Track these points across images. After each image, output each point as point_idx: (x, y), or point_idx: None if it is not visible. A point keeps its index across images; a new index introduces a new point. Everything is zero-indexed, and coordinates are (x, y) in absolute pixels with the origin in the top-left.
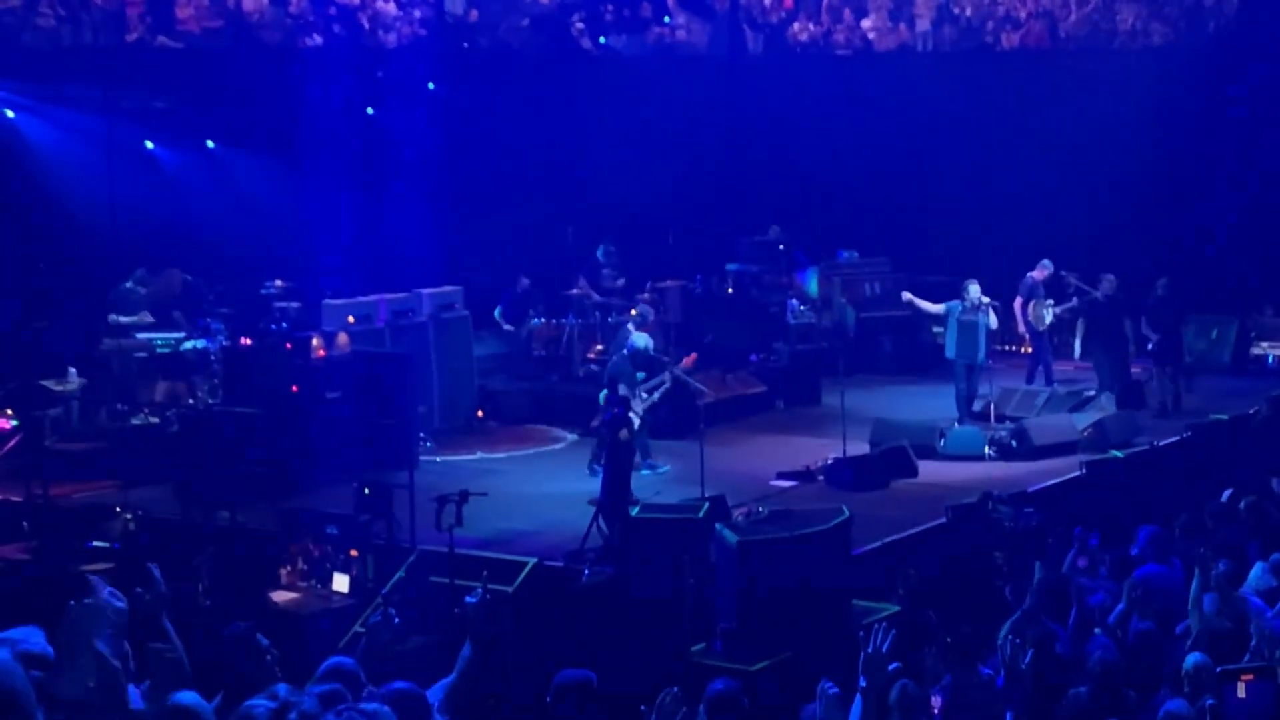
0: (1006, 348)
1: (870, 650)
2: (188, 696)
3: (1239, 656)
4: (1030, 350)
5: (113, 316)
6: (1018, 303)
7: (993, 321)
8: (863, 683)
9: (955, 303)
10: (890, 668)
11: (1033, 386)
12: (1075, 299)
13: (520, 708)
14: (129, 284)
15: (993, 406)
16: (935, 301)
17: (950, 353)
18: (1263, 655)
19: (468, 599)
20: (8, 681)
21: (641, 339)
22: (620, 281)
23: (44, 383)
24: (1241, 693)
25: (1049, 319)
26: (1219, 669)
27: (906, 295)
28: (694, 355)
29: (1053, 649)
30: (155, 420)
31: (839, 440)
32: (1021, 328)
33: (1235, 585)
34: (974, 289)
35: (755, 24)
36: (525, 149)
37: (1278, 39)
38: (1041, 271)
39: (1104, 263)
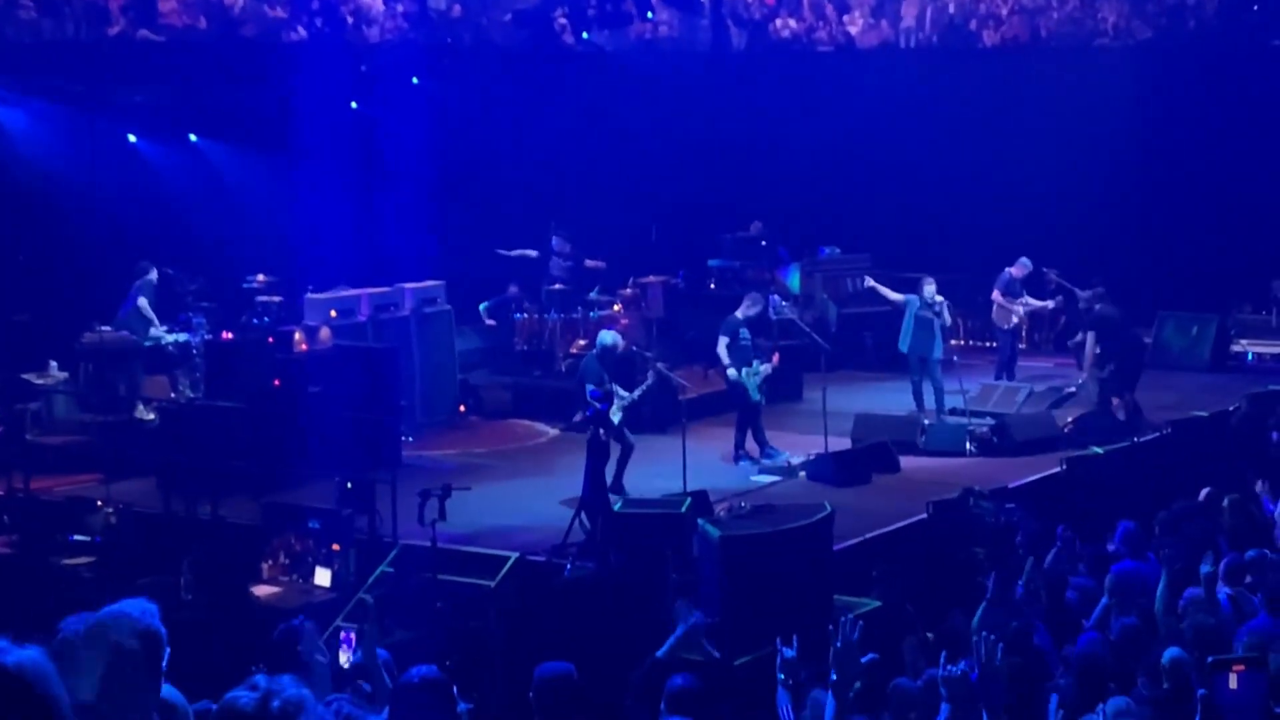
0: (989, 344)
1: (841, 644)
2: (165, 691)
3: (1219, 652)
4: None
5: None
6: (996, 294)
7: (947, 319)
8: (833, 676)
9: (914, 297)
10: (864, 660)
11: (1014, 383)
12: (1059, 296)
13: (503, 701)
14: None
15: (965, 401)
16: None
17: (904, 346)
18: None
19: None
20: (41, 687)
21: (609, 336)
22: (569, 263)
23: (25, 376)
24: (1233, 684)
25: (1015, 319)
26: (1210, 659)
27: (869, 281)
28: (777, 354)
29: (1031, 641)
30: (137, 414)
31: (821, 435)
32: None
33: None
34: (929, 288)
35: (739, 20)
36: (508, 144)
37: (1258, 37)
38: (1020, 269)
39: (1084, 259)
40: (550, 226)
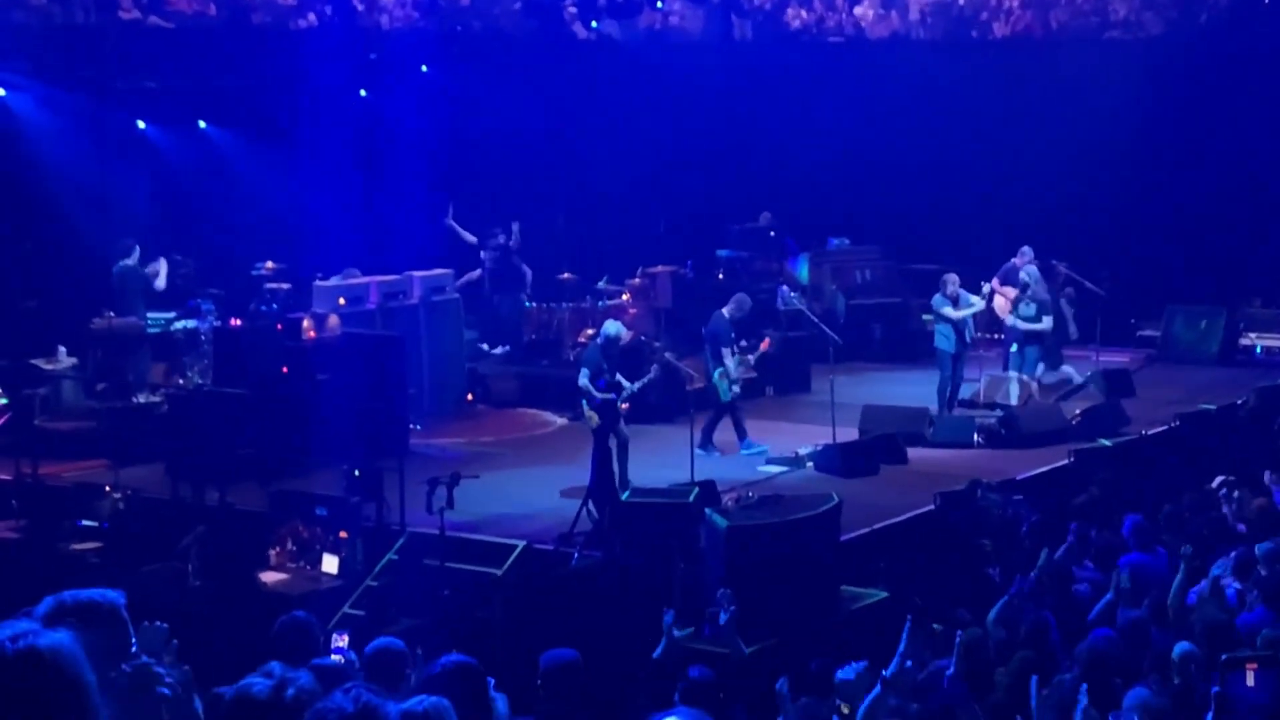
0: (996, 336)
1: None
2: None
3: (1229, 647)
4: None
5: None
6: (994, 283)
7: (977, 303)
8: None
9: (939, 297)
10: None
11: (1023, 375)
12: (1068, 289)
13: (508, 689)
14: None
15: (981, 394)
16: (923, 294)
17: (937, 343)
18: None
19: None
20: (72, 668)
21: (614, 326)
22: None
23: (34, 361)
24: (1250, 681)
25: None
26: (1224, 657)
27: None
28: (767, 340)
29: (1048, 635)
30: (145, 400)
31: (829, 426)
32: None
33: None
34: (952, 280)
35: (742, 11)
36: (517, 133)
37: (1269, 30)
38: (1021, 259)
39: (1094, 252)
40: (559, 217)
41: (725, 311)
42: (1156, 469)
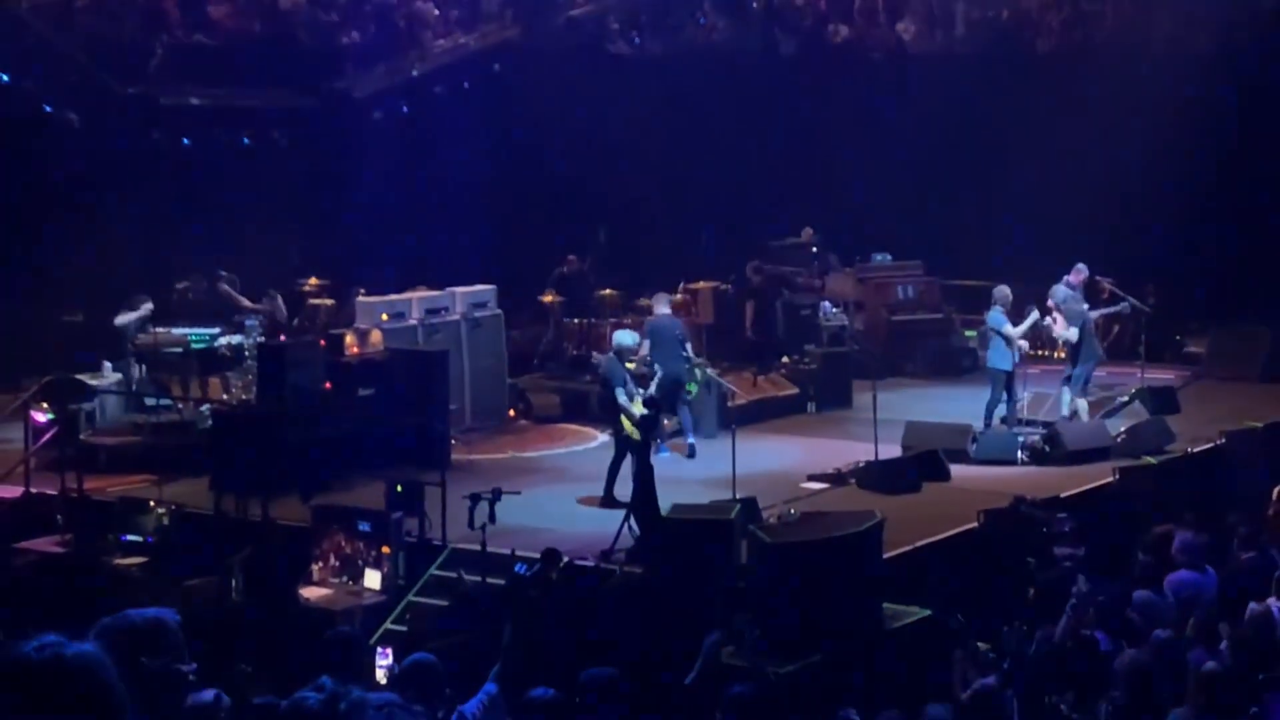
0: (1041, 353)
1: None
2: (209, 695)
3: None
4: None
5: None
6: (1050, 303)
7: (1032, 317)
8: None
9: (997, 314)
10: None
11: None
12: (1124, 304)
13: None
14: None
15: (1025, 410)
16: (966, 310)
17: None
18: None
19: (518, 568)
20: (101, 675)
21: (628, 337)
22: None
23: (79, 376)
24: None
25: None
26: (1261, 676)
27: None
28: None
29: (1097, 648)
30: (189, 415)
31: (871, 443)
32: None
33: None
34: (1001, 299)
35: (787, 26)
36: (559, 148)
37: None
38: (1076, 275)
39: (1138, 268)
40: (600, 231)
41: (668, 310)
42: (1202, 487)
